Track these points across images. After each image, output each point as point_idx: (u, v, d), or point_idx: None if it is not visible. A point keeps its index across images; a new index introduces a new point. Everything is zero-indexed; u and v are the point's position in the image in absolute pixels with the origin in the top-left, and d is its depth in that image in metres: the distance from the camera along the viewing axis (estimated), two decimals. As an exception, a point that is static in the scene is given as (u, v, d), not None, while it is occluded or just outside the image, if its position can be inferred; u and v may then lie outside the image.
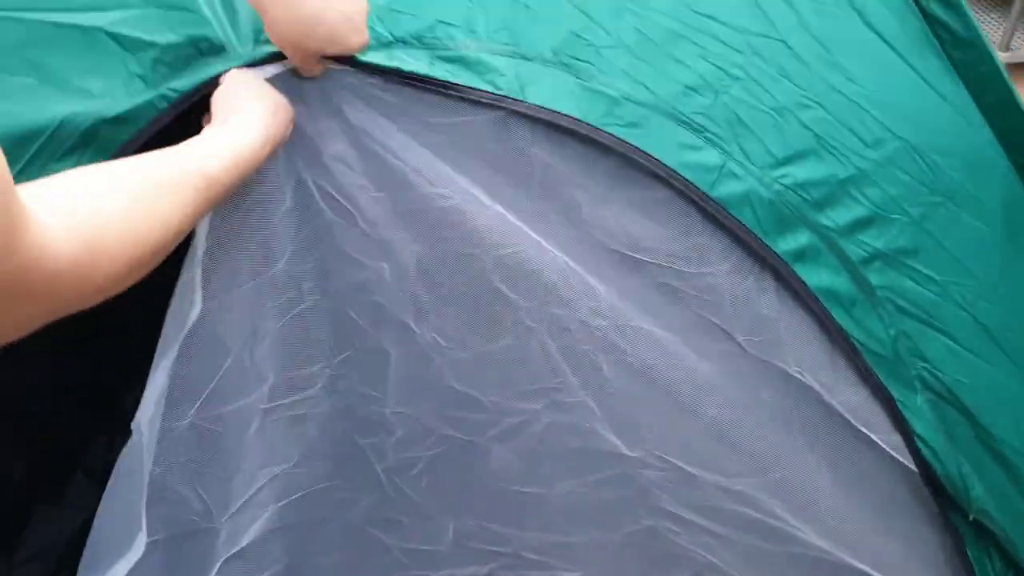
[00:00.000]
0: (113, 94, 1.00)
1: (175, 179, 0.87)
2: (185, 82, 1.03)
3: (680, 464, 1.29)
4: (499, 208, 1.15)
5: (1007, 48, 3.41)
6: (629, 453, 1.29)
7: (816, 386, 1.19)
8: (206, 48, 1.05)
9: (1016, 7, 3.29)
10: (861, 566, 1.28)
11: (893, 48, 1.17)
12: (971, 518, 1.21)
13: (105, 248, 0.75)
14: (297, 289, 1.21)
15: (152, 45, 1.02)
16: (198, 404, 1.20)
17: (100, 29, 1.02)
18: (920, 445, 1.18)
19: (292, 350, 1.26)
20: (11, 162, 1.04)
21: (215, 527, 1.31)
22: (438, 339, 1.25)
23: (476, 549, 1.41)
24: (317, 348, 1.27)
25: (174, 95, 1.03)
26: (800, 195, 1.12)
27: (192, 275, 1.12)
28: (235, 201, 1.11)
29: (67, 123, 0.97)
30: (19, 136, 0.95)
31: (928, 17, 1.19)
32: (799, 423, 1.22)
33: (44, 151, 0.97)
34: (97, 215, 0.76)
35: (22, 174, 1.06)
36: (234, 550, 1.35)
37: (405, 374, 1.30)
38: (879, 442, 1.20)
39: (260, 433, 1.28)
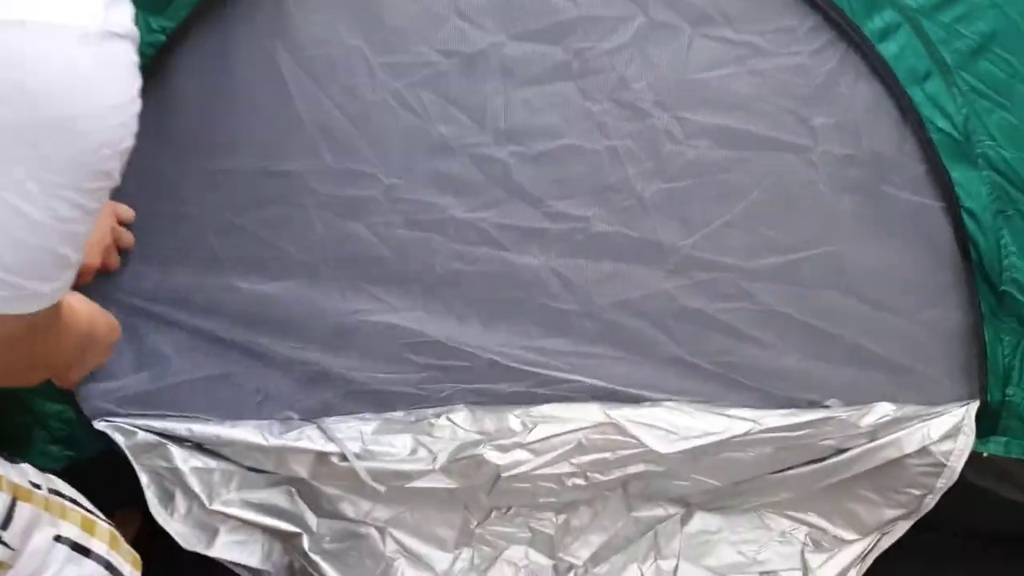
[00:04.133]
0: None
1: None
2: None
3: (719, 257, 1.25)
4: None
5: None
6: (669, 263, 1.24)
7: (877, 167, 1.18)
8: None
9: None
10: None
11: None
12: (1000, 288, 1.21)
13: None
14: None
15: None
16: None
17: None
18: (964, 216, 1.18)
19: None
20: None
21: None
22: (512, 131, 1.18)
23: (513, 368, 1.31)
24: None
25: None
26: (889, -25, 1.06)
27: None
28: None
29: None
30: None
31: None
32: (854, 206, 1.20)
33: None
34: None
35: None
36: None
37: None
38: (928, 212, 1.20)
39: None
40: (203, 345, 1.29)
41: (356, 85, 1.14)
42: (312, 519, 1.39)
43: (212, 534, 1.38)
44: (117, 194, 1.05)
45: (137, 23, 1.10)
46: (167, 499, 1.36)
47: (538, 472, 1.33)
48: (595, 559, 1.44)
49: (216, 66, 1.13)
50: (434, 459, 1.31)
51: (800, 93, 1.13)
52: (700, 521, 1.46)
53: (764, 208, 1.20)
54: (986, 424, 1.29)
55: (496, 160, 1.17)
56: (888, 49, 1.09)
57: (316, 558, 1.38)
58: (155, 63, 1.10)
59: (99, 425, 1.29)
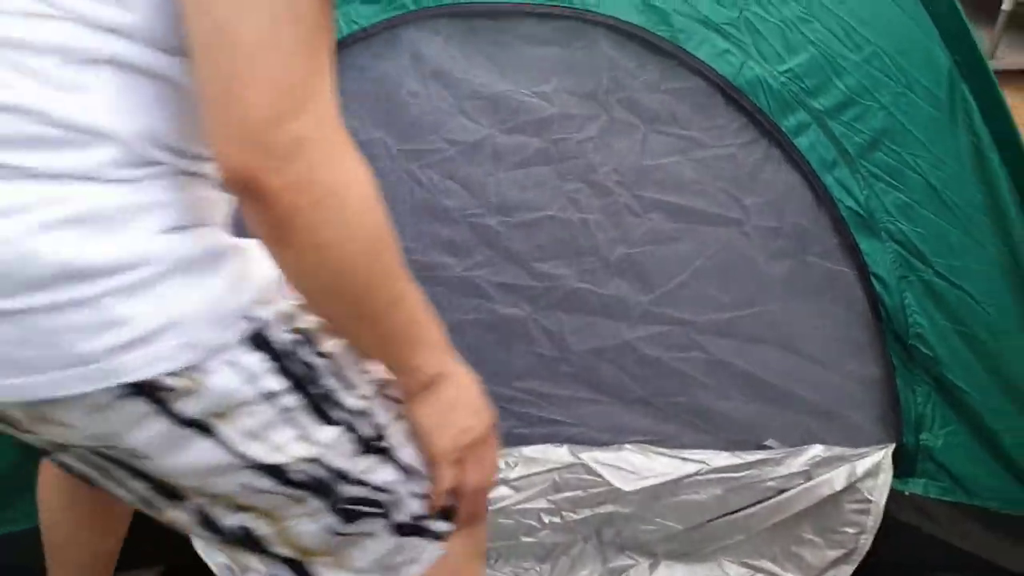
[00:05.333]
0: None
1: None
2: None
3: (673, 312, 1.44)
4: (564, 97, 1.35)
5: (991, 57, 3.45)
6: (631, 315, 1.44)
7: (799, 239, 1.39)
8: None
9: (1001, 19, 3.36)
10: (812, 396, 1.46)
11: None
12: (908, 343, 1.38)
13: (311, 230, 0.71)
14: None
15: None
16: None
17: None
18: (874, 281, 1.38)
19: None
20: None
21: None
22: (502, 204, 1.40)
23: (502, 407, 1.47)
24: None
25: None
26: (798, 85, 1.30)
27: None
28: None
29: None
30: None
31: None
32: (783, 272, 1.40)
33: None
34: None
35: None
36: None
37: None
38: (843, 277, 1.39)
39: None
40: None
41: (379, 167, 1.35)
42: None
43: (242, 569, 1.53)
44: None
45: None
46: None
47: (519, 507, 1.49)
48: (574, 604, 1.57)
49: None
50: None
51: (733, 177, 1.35)
52: (666, 570, 1.57)
53: (709, 271, 1.41)
54: (905, 466, 1.44)
55: (489, 227, 1.39)
56: (802, 143, 1.32)
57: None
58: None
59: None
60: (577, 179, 1.38)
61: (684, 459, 1.46)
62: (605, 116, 1.35)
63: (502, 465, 1.49)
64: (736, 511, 1.50)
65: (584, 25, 1.32)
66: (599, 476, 1.47)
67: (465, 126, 1.36)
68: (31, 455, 1.21)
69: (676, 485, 1.46)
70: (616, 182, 1.38)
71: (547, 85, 1.34)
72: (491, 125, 1.36)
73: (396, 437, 0.86)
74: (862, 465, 1.43)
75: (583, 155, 1.36)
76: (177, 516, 0.84)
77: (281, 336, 0.78)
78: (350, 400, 0.82)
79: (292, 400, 0.78)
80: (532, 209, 1.39)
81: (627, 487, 1.46)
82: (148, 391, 0.73)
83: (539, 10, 1.31)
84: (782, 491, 1.47)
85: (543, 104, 1.35)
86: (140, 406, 0.73)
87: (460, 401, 0.88)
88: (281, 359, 0.78)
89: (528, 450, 1.49)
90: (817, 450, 1.44)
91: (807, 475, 1.45)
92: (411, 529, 0.88)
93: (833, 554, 1.52)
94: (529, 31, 1.33)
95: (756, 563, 1.57)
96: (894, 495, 1.44)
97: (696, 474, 1.45)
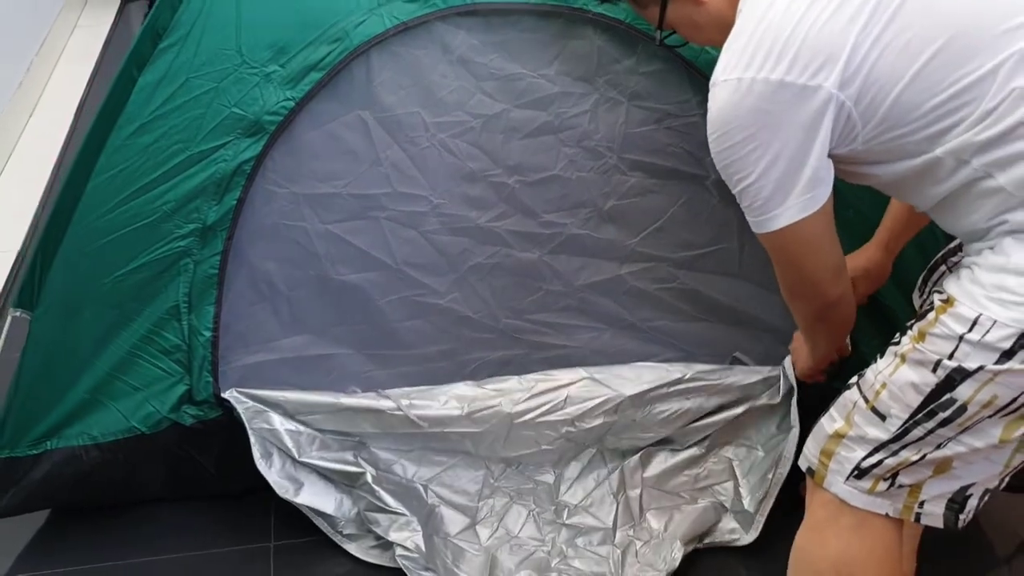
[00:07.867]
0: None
1: None
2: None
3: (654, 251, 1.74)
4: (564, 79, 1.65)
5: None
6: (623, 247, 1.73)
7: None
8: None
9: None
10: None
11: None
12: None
13: None
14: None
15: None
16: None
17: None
18: None
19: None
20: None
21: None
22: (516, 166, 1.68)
23: (517, 337, 1.75)
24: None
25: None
26: (748, 65, 1.59)
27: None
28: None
29: None
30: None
31: None
32: (738, 216, 1.57)
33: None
34: None
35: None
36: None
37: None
38: None
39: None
40: (300, 329, 1.72)
41: (416, 136, 1.65)
42: (373, 471, 1.71)
43: (298, 486, 1.70)
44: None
45: (275, 96, 1.59)
46: (267, 456, 1.69)
47: (539, 420, 1.72)
48: (584, 500, 1.77)
49: (324, 122, 1.63)
50: (462, 408, 1.71)
51: (697, 141, 1.62)
52: (658, 460, 1.81)
53: (681, 217, 1.71)
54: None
55: (506, 185, 1.68)
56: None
57: (378, 489, 1.69)
58: (285, 120, 1.59)
59: (226, 394, 1.67)
60: (575, 145, 1.67)
61: (667, 370, 1.74)
62: (596, 94, 1.65)
63: (524, 386, 1.72)
64: (709, 414, 1.76)
65: (578, 20, 1.62)
66: (606, 386, 1.72)
67: (484, 102, 1.64)
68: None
69: (666, 391, 1.73)
70: (606, 147, 1.67)
71: (549, 69, 1.64)
72: (505, 101, 1.65)
73: None
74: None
75: (580, 125, 1.66)
76: None
77: None
78: None
79: None
80: (540, 170, 1.68)
81: (628, 391, 1.71)
82: None
83: (542, 9, 1.61)
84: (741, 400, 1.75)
85: (547, 84, 1.64)
86: None
87: None
88: None
89: (545, 373, 1.74)
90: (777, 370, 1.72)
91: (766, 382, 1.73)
92: None
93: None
94: (534, 25, 1.62)
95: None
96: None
97: (680, 380, 1.72)
